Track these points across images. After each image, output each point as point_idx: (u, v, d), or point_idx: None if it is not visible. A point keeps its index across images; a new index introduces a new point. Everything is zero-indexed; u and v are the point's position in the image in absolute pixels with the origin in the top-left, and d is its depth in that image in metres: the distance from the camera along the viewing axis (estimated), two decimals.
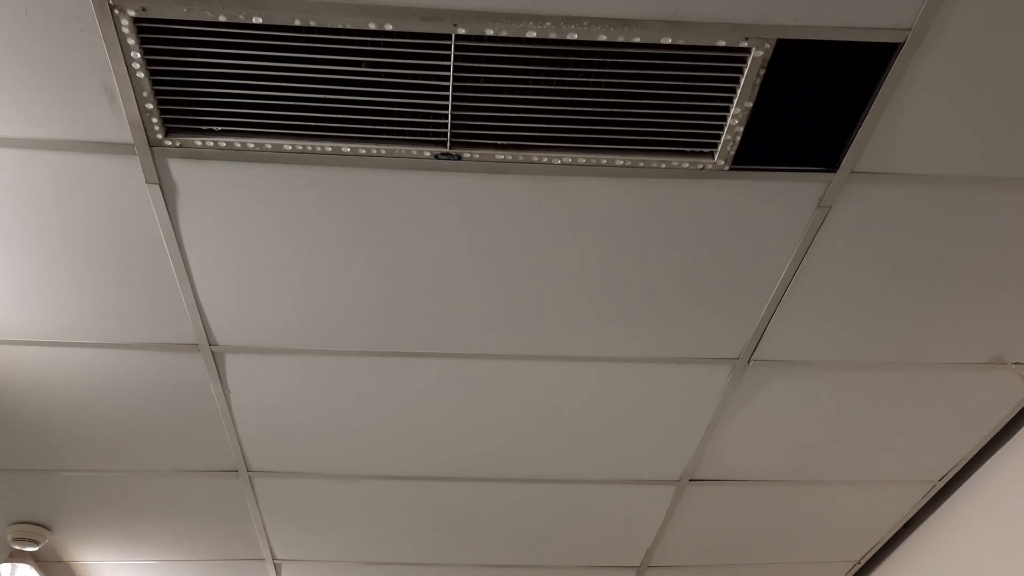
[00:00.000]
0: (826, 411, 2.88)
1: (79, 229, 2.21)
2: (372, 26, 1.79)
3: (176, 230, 2.22)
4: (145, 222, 2.20)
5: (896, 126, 2.02)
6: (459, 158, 2.04)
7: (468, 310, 2.46)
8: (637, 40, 1.82)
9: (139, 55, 1.83)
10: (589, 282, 2.39)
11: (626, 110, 1.95)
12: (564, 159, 2.05)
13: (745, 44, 1.83)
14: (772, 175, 2.12)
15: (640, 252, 2.30)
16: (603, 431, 2.95)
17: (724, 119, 1.97)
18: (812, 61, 1.87)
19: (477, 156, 2.04)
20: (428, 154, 2.03)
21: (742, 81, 1.89)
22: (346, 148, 2.01)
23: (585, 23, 1.79)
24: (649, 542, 3.56)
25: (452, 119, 1.95)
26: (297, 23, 1.78)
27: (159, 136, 1.99)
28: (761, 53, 1.85)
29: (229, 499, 3.26)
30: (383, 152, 2.02)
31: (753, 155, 2.06)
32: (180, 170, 2.08)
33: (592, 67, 1.87)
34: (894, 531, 3.50)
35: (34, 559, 3.57)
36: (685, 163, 2.06)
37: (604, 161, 2.05)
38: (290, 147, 2.01)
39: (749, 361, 2.68)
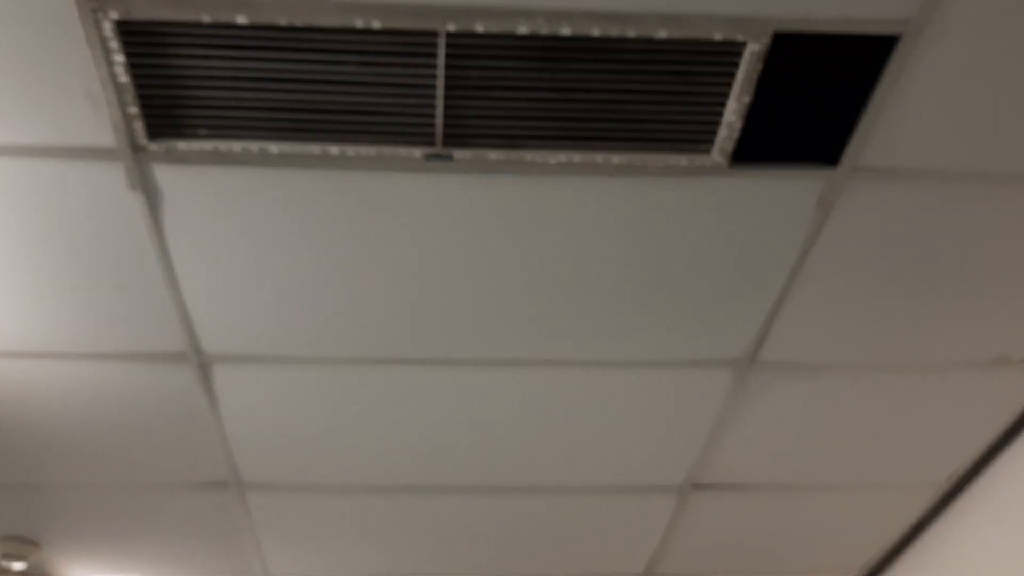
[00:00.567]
0: (831, 413, 2.85)
1: (61, 237, 2.17)
2: (359, 24, 1.75)
3: (161, 236, 2.18)
4: (129, 228, 2.16)
5: (898, 121, 1.98)
6: (450, 158, 2.01)
7: (463, 315, 2.43)
8: (631, 35, 1.78)
9: (122, 58, 1.79)
10: (587, 285, 2.35)
11: (621, 106, 1.91)
12: (558, 158, 2.02)
13: (741, 38, 1.80)
14: (772, 171, 2.09)
15: (639, 253, 2.27)
16: (603, 437, 2.92)
17: (720, 114, 1.94)
18: (810, 55, 1.84)
19: (469, 156, 2.00)
20: (419, 155, 2.00)
21: (739, 76, 1.86)
22: (334, 150, 1.98)
23: (578, 18, 1.75)
24: (651, 551, 3.53)
25: (443, 119, 1.92)
26: (283, 23, 1.75)
27: (143, 141, 1.95)
28: (757, 47, 1.82)
29: (220, 513, 3.22)
30: (372, 153, 1.99)
31: (752, 151, 2.03)
32: (165, 175, 2.04)
33: (585, 63, 1.83)
34: (902, 535, 3.47)
35: None
36: (682, 160, 2.03)
37: (599, 159, 2.02)
38: (277, 150, 1.97)
39: (751, 363, 2.64)
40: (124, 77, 1.83)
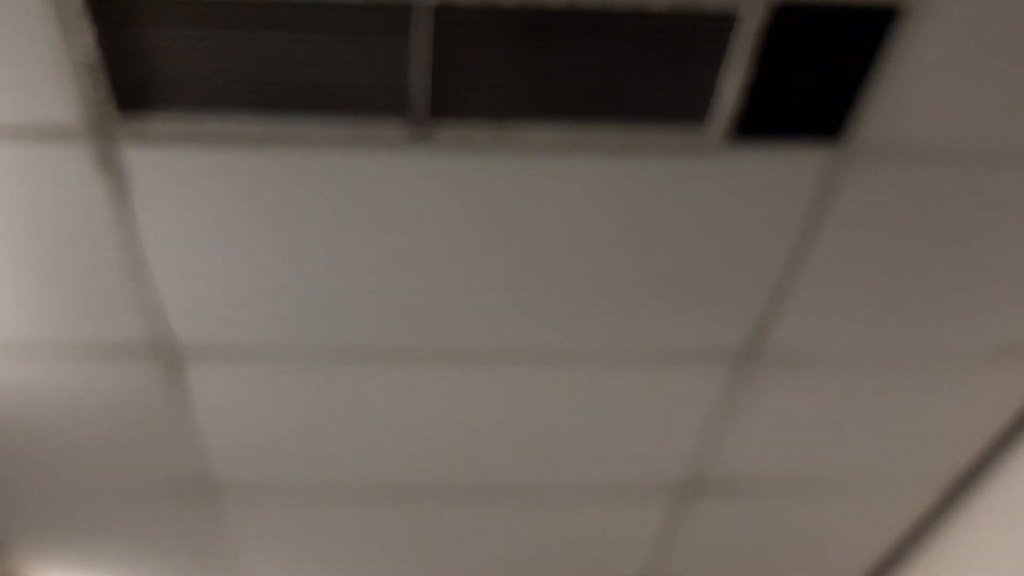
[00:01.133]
0: (832, 408, 2.80)
1: (25, 222, 2.10)
2: None
3: (132, 221, 2.11)
4: (97, 212, 2.08)
5: (901, 97, 1.93)
6: (435, 137, 1.95)
7: (447, 302, 2.37)
8: (623, 7, 1.72)
9: (90, 31, 1.72)
10: (577, 270, 2.29)
11: (613, 79, 1.85)
12: (547, 135, 1.96)
13: (736, 9, 1.75)
14: (769, 149, 2.03)
15: (631, 237, 2.21)
16: (595, 434, 2.87)
17: (714, 88, 1.88)
18: (808, 28, 1.79)
19: (454, 134, 1.94)
20: (403, 133, 1.94)
21: (733, 49, 1.81)
22: (314, 128, 1.92)
23: None
24: (646, 554, 3.49)
25: (431, 96, 1.86)
26: None
27: (113, 119, 1.88)
28: (753, 18, 1.76)
29: (194, 518, 3.17)
30: (354, 132, 1.92)
31: (748, 127, 1.97)
32: (135, 156, 1.97)
33: (575, 37, 1.77)
34: (905, 536, 3.44)
35: None
36: (676, 135, 1.97)
37: (588, 137, 1.96)
38: (253, 128, 1.91)
39: (749, 355, 2.59)
40: (92, 50, 1.76)
